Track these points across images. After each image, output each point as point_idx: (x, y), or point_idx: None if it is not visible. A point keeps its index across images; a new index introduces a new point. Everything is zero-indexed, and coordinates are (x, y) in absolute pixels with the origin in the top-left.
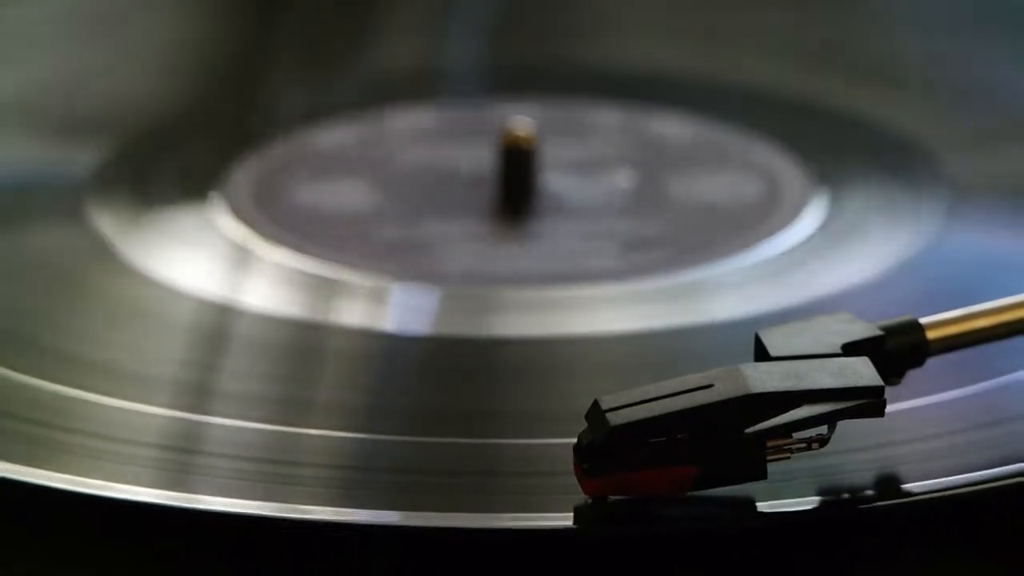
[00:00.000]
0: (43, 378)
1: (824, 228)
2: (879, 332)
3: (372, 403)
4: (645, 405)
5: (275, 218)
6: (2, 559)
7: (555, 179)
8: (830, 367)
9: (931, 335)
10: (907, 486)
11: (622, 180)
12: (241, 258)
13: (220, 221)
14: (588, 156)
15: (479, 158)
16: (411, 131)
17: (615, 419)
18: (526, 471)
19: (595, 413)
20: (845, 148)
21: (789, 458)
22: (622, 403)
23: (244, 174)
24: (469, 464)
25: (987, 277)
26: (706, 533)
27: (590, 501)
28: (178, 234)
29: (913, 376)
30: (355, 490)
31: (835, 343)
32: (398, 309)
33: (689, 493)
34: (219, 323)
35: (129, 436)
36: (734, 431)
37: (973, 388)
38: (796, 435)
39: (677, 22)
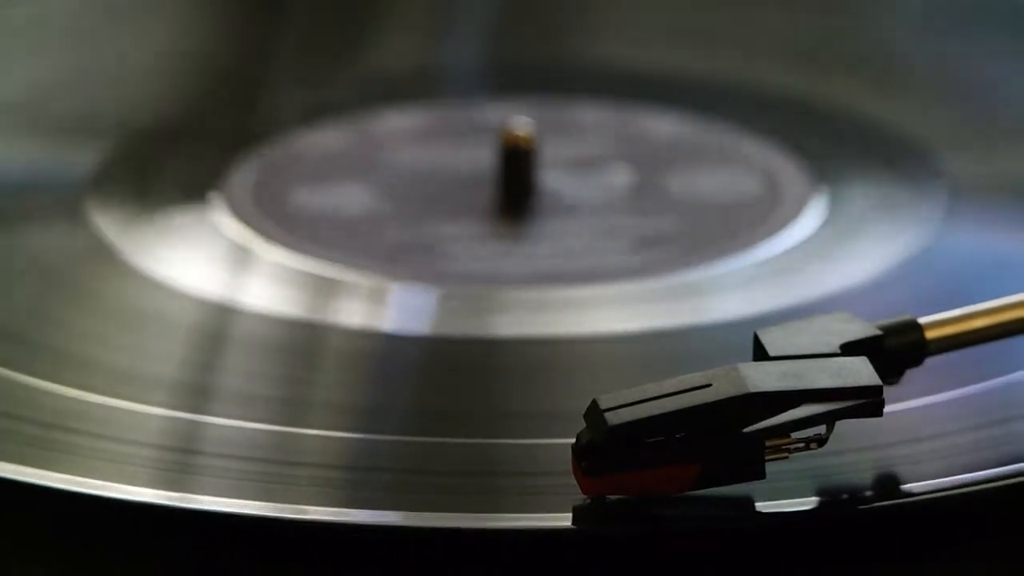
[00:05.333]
0: (43, 378)
1: (824, 228)
2: (878, 332)
3: (371, 403)
4: (643, 405)
5: (275, 218)
6: (2, 559)
7: (554, 179)
8: (829, 367)
9: (930, 335)
10: (906, 486)
11: (622, 180)
12: (241, 258)
13: (220, 221)
14: (588, 156)
15: (479, 158)
16: (410, 131)
17: (613, 419)
18: (525, 471)
19: (593, 412)
20: (845, 148)
21: (787, 458)
22: (620, 403)
23: (244, 174)
24: (468, 464)
25: (987, 277)
26: (704, 533)
27: (588, 500)
28: (178, 234)
29: (912, 376)
30: (354, 490)
31: (834, 343)
32: (398, 309)
33: (687, 493)
34: (219, 323)
35: (129, 436)
36: (732, 431)
37: (972, 388)
38: (794, 435)
39: (676, 22)
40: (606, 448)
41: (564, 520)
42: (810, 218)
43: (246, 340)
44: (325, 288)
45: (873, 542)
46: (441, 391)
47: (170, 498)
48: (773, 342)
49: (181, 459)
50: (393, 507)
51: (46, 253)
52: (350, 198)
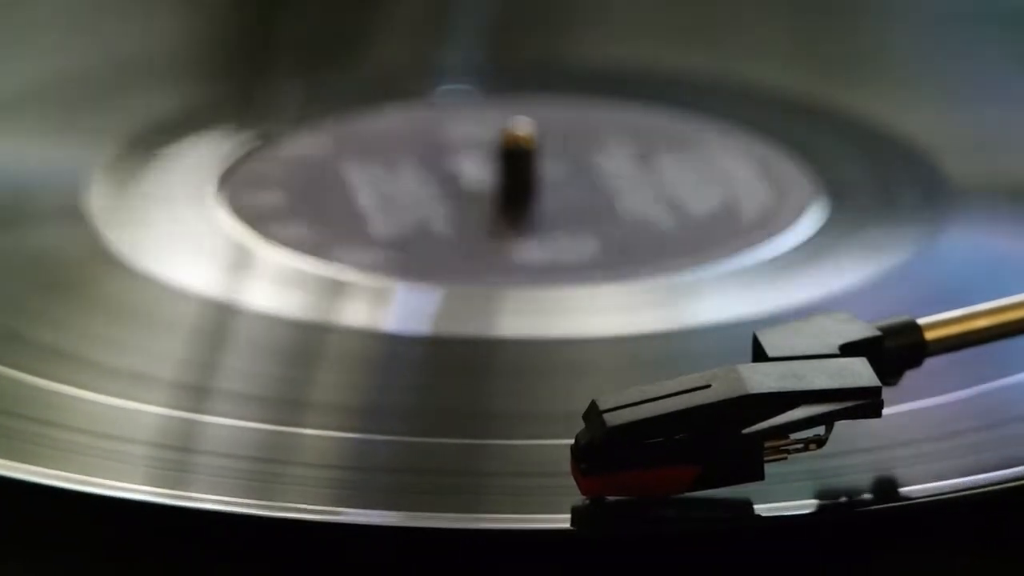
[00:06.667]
0: (41, 376)
1: (824, 228)
2: (877, 332)
3: (371, 403)
4: (642, 405)
5: (275, 217)
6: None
7: (555, 179)
8: (828, 368)
9: (929, 335)
10: (905, 488)
11: (622, 180)
12: (241, 258)
13: (220, 220)
14: (588, 156)
15: (479, 158)
16: (410, 131)
17: (612, 419)
18: (524, 471)
19: (593, 413)
20: (845, 148)
21: (786, 459)
22: (620, 403)
23: (244, 173)
24: (467, 464)
25: (987, 277)
26: (703, 534)
27: (587, 501)
28: (178, 233)
29: (911, 377)
30: (353, 490)
31: (833, 343)
32: (398, 309)
33: (686, 494)
34: (219, 322)
35: (128, 435)
36: (731, 432)
37: (972, 389)
38: (793, 436)
39: (677, 21)
40: (605, 449)
41: (563, 521)
42: (810, 218)
43: (245, 340)
44: (325, 288)
45: (872, 544)
46: (440, 391)
47: (169, 497)
48: (772, 343)
49: (180, 458)
50: (391, 507)
51: (46, 253)
52: (350, 196)
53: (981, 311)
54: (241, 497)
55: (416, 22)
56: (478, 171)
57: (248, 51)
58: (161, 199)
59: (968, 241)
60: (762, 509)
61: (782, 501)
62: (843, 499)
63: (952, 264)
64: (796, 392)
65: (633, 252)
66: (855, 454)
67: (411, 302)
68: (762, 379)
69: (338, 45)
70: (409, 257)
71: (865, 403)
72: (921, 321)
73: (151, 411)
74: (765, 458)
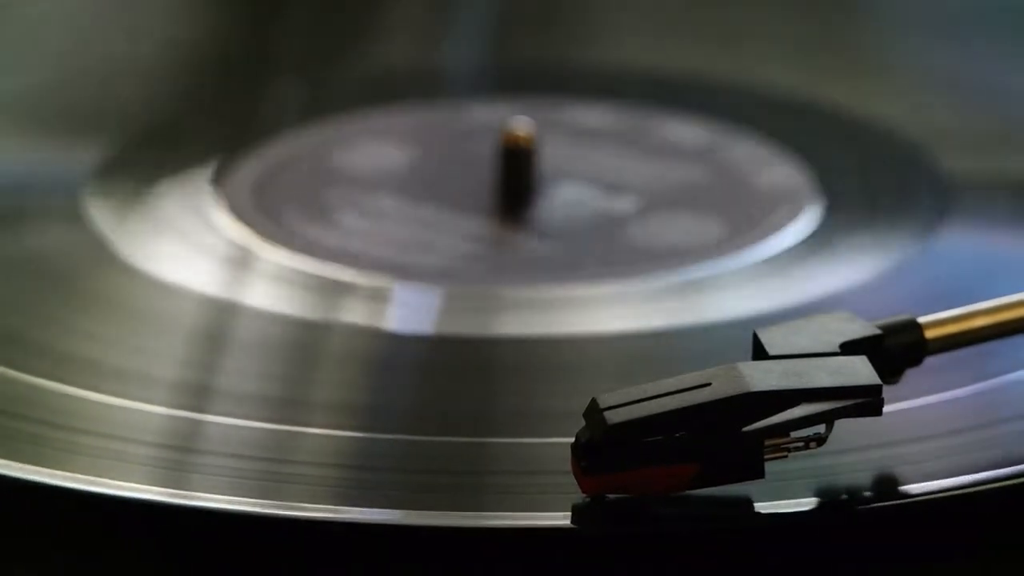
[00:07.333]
0: (42, 377)
1: (823, 228)
2: (877, 331)
3: (372, 402)
4: (643, 403)
5: (275, 217)
6: (1, 556)
7: (554, 179)
8: (828, 366)
9: (929, 334)
10: (905, 486)
11: (621, 180)
12: (241, 257)
13: (220, 220)
14: (587, 156)
15: (479, 158)
16: (411, 131)
17: (613, 417)
18: (525, 470)
19: (593, 411)
20: (844, 148)
21: (787, 457)
22: (620, 401)
23: (244, 173)
24: (468, 463)
25: (986, 277)
26: (703, 532)
27: (588, 500)
28: (178, 233)
29: (911, 375)
30: (355, 489)
31: (833, 342)
32: (398, 309)
33: (687, 492)
34: (219, 322)
35: (129, 435)
36: (732, 430)
37: (971, 388)
38: (794, 434)
39: (676, 22)
40: (605, 447)
41: (564, 519)
42: (809, 218)
43: (246, 339)
44: (325, 287)
45: (872, 542)
46: (441, 390)
47: (170, 496)
48: (772, 341)
49: (181, 458)
50: (393, 506)
51: (46, 253)
52: (350, 196)
53: (980, 310)
54: (242, 496)
55: (416, 22)
56: (478, 171)
57: (247, 51)
58: (161, 199)
59: (968, 240)
60: (762, 507)
61: (782, 499)
62: (843, 497)
63: (952, 263)
64: (797, 390)
65: (633, 251)
66: (855, 452)
67: (412, 301)
68: (763, 377)
69: (338, 44)
70: (409, 256)
71: (865, 401)
72: (921, 320)
73: (151, 411)
74: (765, 456)
